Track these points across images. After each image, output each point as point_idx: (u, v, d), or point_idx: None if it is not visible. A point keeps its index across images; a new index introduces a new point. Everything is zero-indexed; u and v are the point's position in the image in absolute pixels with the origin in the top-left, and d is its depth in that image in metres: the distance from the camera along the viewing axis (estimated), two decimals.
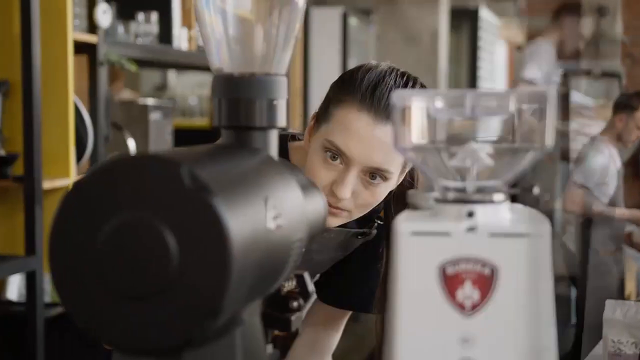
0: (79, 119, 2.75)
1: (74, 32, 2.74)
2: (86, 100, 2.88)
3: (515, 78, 4.74)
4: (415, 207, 0.75)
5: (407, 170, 1.37)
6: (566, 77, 4.65)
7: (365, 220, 1.45)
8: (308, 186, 0.84)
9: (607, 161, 4.51)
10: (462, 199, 0.68)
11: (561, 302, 4.00)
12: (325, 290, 1.53)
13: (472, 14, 7.25)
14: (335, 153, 1.29)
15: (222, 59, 0.78)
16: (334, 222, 1.34)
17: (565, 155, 5.04)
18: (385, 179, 1.30)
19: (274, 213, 0.68)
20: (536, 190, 4.00)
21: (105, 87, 2.95)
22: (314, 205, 0.83)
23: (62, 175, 2.66)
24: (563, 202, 4.56)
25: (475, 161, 0.68)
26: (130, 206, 0.60)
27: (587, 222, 4.56)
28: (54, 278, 0.63)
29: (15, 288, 2.90)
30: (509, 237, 0.65)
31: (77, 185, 0.62)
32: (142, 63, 3.52)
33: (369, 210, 1.35)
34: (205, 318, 0.60)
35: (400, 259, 0.67)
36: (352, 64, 5.18)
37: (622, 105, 4.47)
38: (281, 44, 0.79)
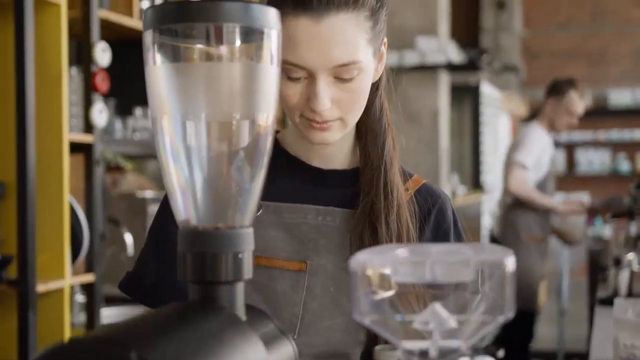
0: (74, 218, 2.75)
1: (71, 133, 2.76)
2: (82, 198, 2.88)
3: (508, 159, 4.71)
4: None
5: (382, 45, 1.27)
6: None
7: None
8: (275, 336, 0.82)
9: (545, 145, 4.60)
10: None
11: None
12: None
13: (473, 90, 7.29)
14: (293, 71, 1.19)
15: (187, 212, 0.77)
16: (331, 136, 1.25)
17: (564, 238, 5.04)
18: (358, 70, 1.20)
19: None
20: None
21: (102, 186, 2.96)
22: (280, 356, 0.81)
23: (57, 276, 2.64)
24: (506, 182, 4.57)
25: (438, 324, 0.67)
26: None
27: (515, 205, 4.57)
28: None
29: None
30: None
31: None
32: (139, 156, 3.54)
33: (361, 110, 1.26)
34: None
35: None
36: None
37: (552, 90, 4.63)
38: (246, 195, 0.78)
